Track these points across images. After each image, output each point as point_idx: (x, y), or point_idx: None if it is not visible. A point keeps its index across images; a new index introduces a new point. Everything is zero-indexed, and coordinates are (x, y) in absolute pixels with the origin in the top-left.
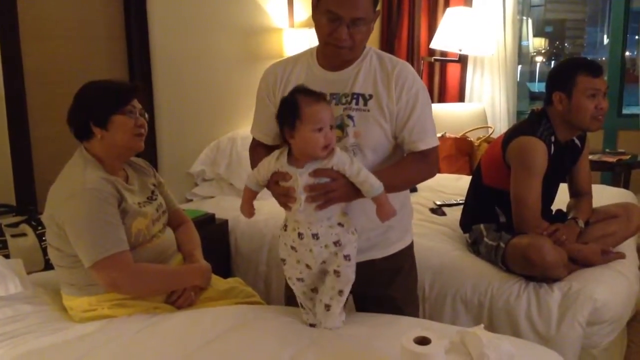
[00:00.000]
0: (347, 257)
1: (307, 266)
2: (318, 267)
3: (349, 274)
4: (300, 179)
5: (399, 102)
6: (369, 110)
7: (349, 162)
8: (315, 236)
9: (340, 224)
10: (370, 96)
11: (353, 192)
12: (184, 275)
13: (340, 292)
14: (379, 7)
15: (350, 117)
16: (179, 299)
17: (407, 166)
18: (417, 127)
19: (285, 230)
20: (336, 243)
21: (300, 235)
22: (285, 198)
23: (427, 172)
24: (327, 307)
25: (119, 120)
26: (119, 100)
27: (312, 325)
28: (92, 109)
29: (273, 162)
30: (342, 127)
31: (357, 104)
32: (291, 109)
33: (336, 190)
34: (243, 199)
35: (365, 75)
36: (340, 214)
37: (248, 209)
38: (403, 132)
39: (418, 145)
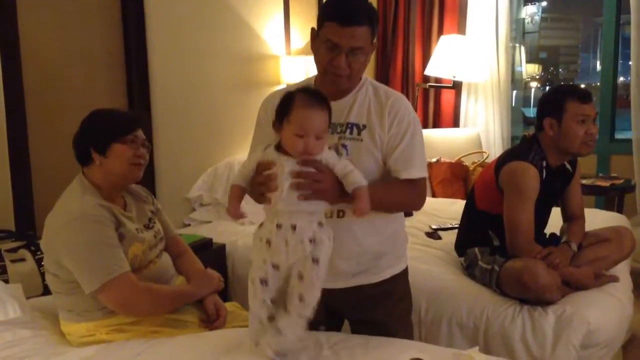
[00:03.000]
0: (315, 260)
1: (274, 267)
2: (285, 270)
3: (313, 278)
4: (286, 164)
5: (389, 131)
6: (362, 140)
7: (337, 158)
8: (293, 227)
9: (320, 224)
10: (364, 126)
11: (338, 190)
12: (190, 290)
13: (301, 298)
14: (375, 40)
15: (344, 146)
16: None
17: (394, 187)
18: (402, 157)
19: (261, 227)
20: (312, 240)
21: (278, 225)
22: (265, 187)
23: (412, 201)
24: (286, 309)
25: (118, 149)
26: (122, 129)
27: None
28: (94, 135)
29: (260, 152)
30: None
31: (350, 133)
32: (285, 105)
33: (323, 182)
34: (229, 197)
35: (360, 105)
36: (322, 216)
37: (235, 208)
38: (389, 160)
39: (400, 174)
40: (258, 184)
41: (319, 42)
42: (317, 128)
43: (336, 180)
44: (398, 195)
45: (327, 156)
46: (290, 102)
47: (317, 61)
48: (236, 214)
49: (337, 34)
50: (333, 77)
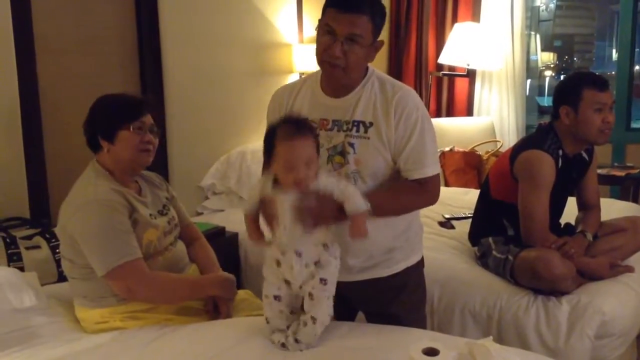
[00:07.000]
0: (322, 281)
1: (287, 282)
2: (297, 288)
3: (323, 299)
4: (285, 201)
5: (397, 129)
6: (369, 138)
7: (335, 183)
8: (298, 253)
9: (325, 245)
10: (371, 124)
11: (340, 213)
12: (201, 285)
13: (314, 319)
14: (382, 38)
15: (351, 144)
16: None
17: (402, 192)
18: (413, 156)
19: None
20: (316, 263)
21: (283, 252)
22: (270, 225)
23: (424, 201)
24: (304, 323)
25: (124, 136)
26: (127, 115)
27: (283, 345)
28: (101, 122)
29: (258, 189)
30: (343, 154)
31: (357, 131)
32: (269, 142)
33: (323, 212)
34: (247, 226)
35: (365, 102)
36: (327, 237)
37: (255, 232)
38: (399, 159)
39: (412, 174)
40: (265, 219)
41: (319, 27)
42: (302, 158)
43: (337, 204)
44: (410, 198)
45: (325, 183)
46: (272, 137)
47: (316, 50)
48: (256, 237)
49: (335, 20)
50: (328, 68)
